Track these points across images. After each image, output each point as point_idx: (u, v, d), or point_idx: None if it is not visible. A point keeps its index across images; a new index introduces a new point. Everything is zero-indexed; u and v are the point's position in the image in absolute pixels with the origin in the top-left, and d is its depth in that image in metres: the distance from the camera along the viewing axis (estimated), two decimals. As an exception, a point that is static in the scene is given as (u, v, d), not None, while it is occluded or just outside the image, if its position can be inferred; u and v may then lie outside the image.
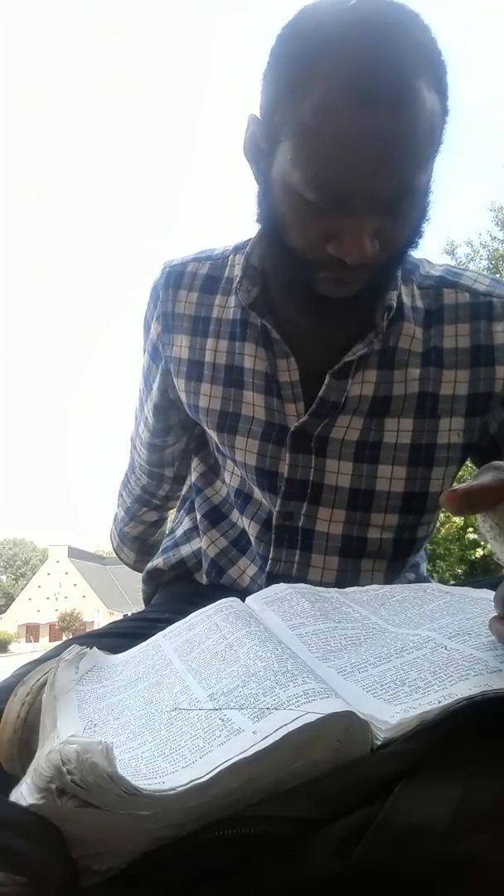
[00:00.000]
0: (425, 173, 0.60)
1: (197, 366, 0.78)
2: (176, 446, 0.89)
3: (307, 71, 0.57)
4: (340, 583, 0.73)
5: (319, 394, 0.71)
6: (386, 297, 0.70)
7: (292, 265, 0.65)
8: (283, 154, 0.60)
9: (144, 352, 0.85)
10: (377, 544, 0.73)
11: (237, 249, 0.80)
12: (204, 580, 0.81)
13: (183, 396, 0.80)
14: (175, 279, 0.80)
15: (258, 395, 0.74)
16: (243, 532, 0.79)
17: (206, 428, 0.79)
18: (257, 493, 0.76)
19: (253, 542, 0.77)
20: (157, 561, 0.86)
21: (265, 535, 0.75)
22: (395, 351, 0.72)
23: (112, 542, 1.07)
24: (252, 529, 0.77)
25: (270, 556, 0.74)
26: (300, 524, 0.74)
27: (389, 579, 0.75)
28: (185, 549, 0.84)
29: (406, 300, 0.73)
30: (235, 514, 0.80)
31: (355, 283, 0.64)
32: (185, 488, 0.91)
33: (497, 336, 0.72)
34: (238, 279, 0.74)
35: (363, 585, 0.73)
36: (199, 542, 0.82)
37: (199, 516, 0.84)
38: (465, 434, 0.73)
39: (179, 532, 0.87)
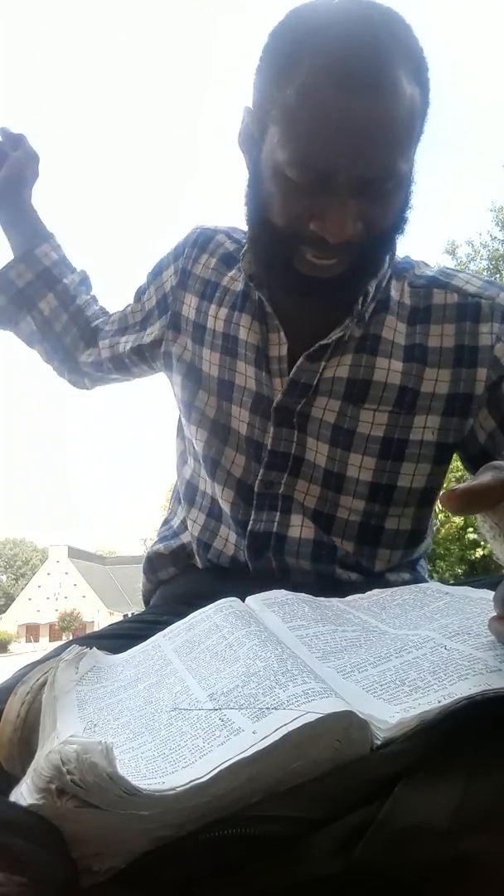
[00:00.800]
0: (406, 160, 0.62)
1: (200, 329, 0.82)
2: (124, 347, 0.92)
3: (292, 59, 0.60)
4: (318, 543, 0.75)
5: (290, 374, 0.74)
6: (366, 285, 0.71)
7: (275, 241, 0.67)
8: (271, 137, 0.63)
9: (148, 284, 0.90)
10: (343, 524, 0.75)
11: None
12: (199, 563, 0.82)
13: (187, 356, 0.83)
14: (203, 241, 0.85)
15: (249, 366, 0.77)
16: (214, 500, 0.81)
17: (199, 390, 0.81)
18: (227, 459, 0.79)
19: (227, 508, 0.78)
20: (158, 546, 0.87)
21: (239, 500, 0.77)
22: (378, 340, 0.74)
23: None
24: (226, 495, 0.78)
25: (252, 516, 0.76)
26: (280, 492, 0.76)
27: (360, 559, 0.76)
28: (185, 537, 0.85)
29: (394, 294, 0.75)
30: (203, 483, 0.82)
31: (336, 265, 0.66)
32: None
33: (482, 338, 0.72)
34: (242, 252, 0.77)
35: (340, 552, 0.74)
36: None
37: (182, 502, 0.86)
38: (439, 433, 0.74)
39: (176, 522, 0.88)
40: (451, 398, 0.73)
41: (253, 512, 0.76)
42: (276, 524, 0.75)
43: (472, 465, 0.77)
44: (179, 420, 0.88)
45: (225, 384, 0.79)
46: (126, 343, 0.90)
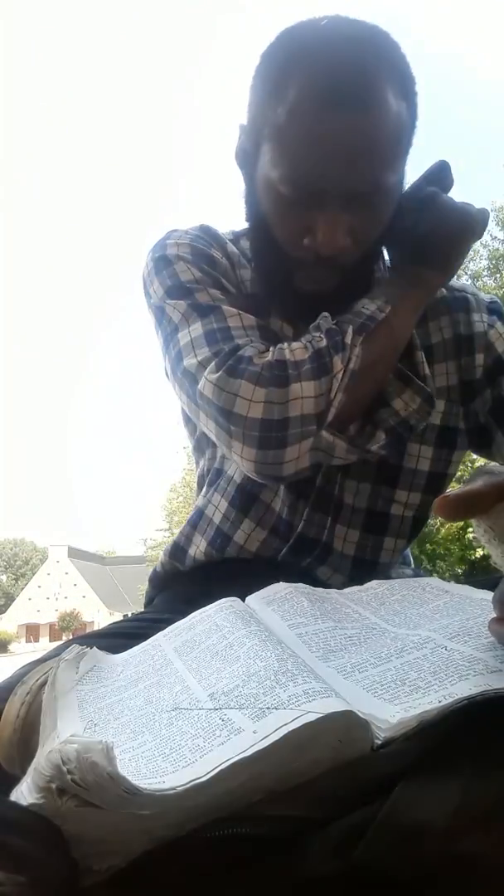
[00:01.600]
0: (394, 173, 0.64)
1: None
2: None
3: (283, 78, 0.62)
4: (359, 560, 0.75)
5: None
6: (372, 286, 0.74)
7: (275, 260, 0.69)
8: (264, 156, 0.65)
9: (203, 287, 0.71)
10: (399, 522, 0.76)
11: (238, 237, 0.82)
12: (202, 556, 0.78)
13: None
14: (214, 235, 0.79)
15: None
16: (244, 492, 0.76)
17: None
18: None
19: (277, 506, 0.75)
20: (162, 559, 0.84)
21: (294, 502, 0.74)
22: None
23: None
24: (276, 501, 0.75)
25: (304, 518, 0.74)
26: (335, 492, 0.75)
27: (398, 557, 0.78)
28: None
29: None
30: (237, 473, 0.77)
31: (330, 280, 0.68)
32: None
33: (476, 325, 0.77)
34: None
35: (382, 560, 0.76)
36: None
37: (205, 488, 0.82)
38: (465, 420, 0.78)
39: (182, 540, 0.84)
40: (464, 385, 0.77)
41: (306, 512, 0.74)
42: (326, 531, 0.75)
43: (471, 445, 0.81)
44: (184, 413, 0.83)
45: None
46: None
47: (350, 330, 0.65)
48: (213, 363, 0.65)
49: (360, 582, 0.53)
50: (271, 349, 0.65)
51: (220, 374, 0.63)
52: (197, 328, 0.68)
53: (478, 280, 12.42)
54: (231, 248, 0.79)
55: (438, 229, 0.69)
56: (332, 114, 0.59)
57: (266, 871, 0.29)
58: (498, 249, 12.33)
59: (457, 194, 0.71)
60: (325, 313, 0.68)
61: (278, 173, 0.63)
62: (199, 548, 0.79)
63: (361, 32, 0.63)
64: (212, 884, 0.29)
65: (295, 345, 0.65)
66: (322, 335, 0.65)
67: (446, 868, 0.28)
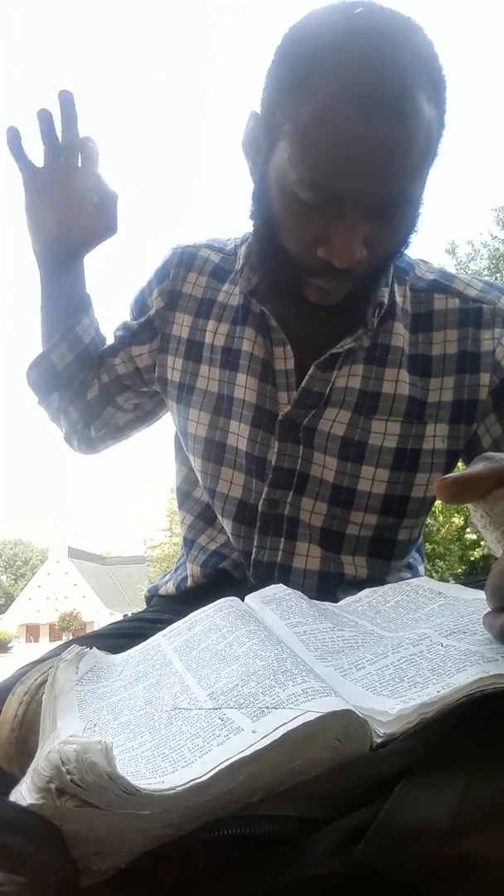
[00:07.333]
0: (419, 184, 0.61)
1: (196, 346, 0.79)
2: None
3: (310, 72, 0.57)
4: (325, 572, 0.73)
5: (302, 383, 0.72)
6: (377, 294, 0.71)
7: (282, 266, 0.66)
8: (281, 153, 0.61)
9: (132, 312, 0.86)
10: (354, 541, 0.74)
11: (244, 241, 0.81)
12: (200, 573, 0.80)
13: (176, 376, 0.80)
14: (188, 260, 0.82)
15: (252, 378, 0.75)
16: (207, 506, 0.81)
17: (191, 409, 0.79)
18: (224, 481, 0.77)
19: (231, 539, 0.77)
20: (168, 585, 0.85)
21: (240, 526, 0.76)
22: (388, 349, 0.73)
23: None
24: (226, 525, 0.77)
25: (255, 543, 0.75)
26: (285, 512, 0.74)
27: (372, 576, 0.75)
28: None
29: (398, 300, 0.74)
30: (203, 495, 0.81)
31: (341, 291, 0.65)
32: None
33: (484, 343, 0.72)
34: (240, 266, 0.75)
35: (347, 577, 0.73)
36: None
37: (192, 518, 0.84)
38: (449, 440, 0.73)
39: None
40: (457, 405, 0.72)
41: (257, 536, 0.75)
42: (280, 552, 0.74)
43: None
44: (176, 441, 0.86)
45: (223, 399, 0.77)
46: (121, 363, 0.86)
47: None
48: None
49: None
50: None
51: None
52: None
53: (478, 280, 12.40)
54: (204, 274, 0.81)
55: None
56: (363, 120, 0.55)
57: (266, 871, 0.29)
58: (498, 249, 12.33)
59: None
60: None
61: (297, 175, 0.59)
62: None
63: (399, 28, 0.57)
64: (212, 884, 0.29)
65: None
66: None
67: (446, 868, 0.28)
